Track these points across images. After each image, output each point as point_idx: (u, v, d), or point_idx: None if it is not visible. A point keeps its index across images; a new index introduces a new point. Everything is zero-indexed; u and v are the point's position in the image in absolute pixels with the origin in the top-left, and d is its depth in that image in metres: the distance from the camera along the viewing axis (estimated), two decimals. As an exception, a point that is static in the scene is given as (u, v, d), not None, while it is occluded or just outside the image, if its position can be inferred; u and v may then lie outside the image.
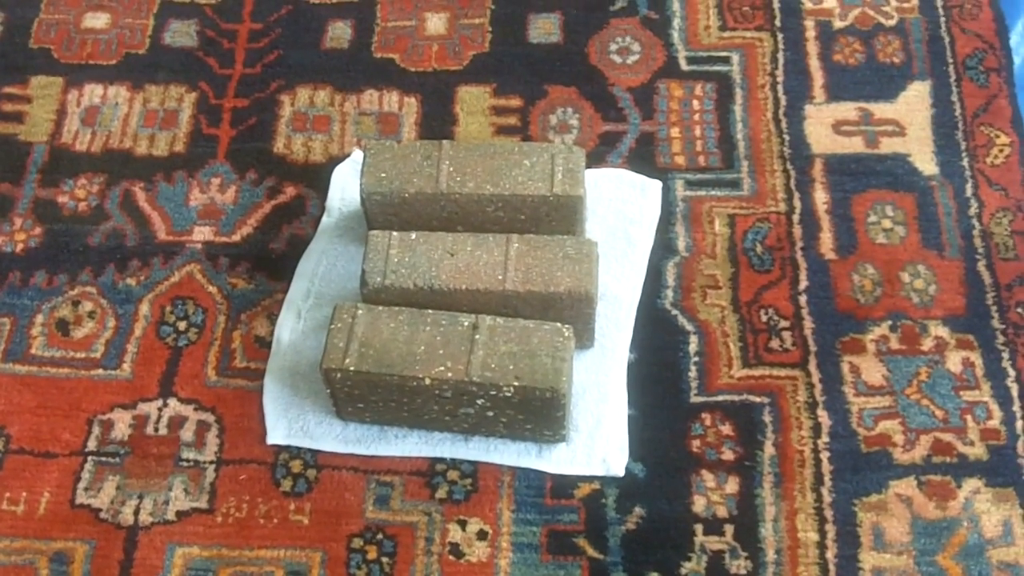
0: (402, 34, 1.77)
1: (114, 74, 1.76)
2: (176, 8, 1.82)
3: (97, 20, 1.82)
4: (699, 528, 1.36)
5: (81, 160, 1.67)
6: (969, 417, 1.42)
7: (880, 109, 1.66)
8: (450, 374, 1.31)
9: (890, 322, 1.48)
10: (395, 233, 1.42)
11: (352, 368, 1.32)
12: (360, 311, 1.36)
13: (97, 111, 1.72)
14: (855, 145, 1.63)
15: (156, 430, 1.45)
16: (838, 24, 1.75)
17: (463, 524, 1.37)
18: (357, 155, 1.64)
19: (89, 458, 1.43)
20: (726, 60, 1.72)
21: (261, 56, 1.76)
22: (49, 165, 1.67)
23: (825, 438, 1.41)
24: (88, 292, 1.55)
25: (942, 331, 1.48)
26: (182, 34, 1.79)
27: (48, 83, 1.75)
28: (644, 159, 1.63)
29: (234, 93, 1.72)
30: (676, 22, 1.76)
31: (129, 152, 1.67)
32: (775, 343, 1.47)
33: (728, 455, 1.40)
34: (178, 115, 1.70)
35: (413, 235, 1.42)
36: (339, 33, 1.78)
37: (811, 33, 1.74)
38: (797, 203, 1.58)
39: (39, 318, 1.53)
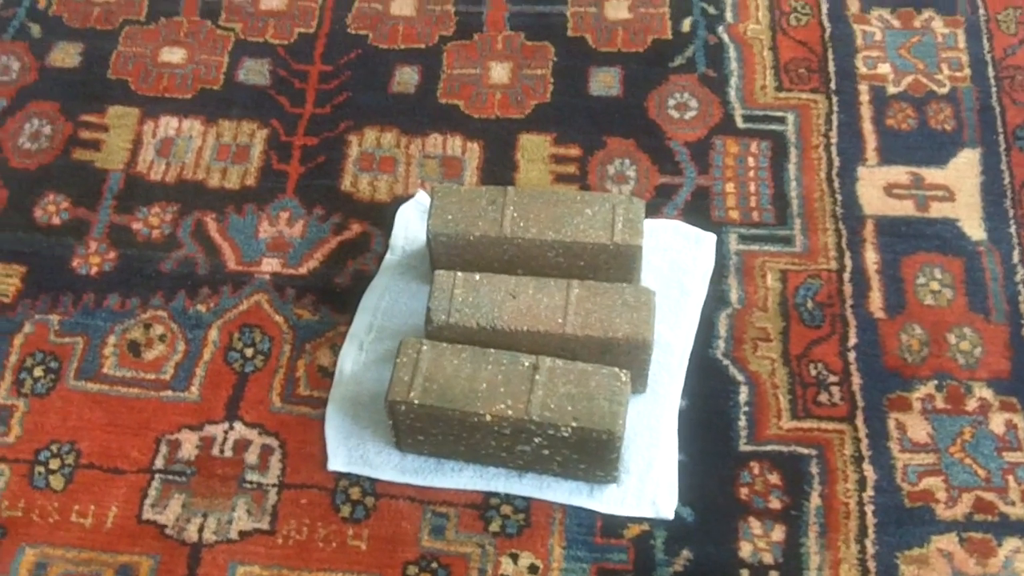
0: (467, 82, 1.83)
1: (189, 108, 1.81)
2: (250, 47, 1.88)
3: (173, 55, 1.88)
4: (745, 573, 1.39)
5: (155, 189, 1.73)
6: (1011, 477, 1.45)
7: (931, 174, 1.70)
8: (510, 412, 1.35)
9: (936, 382, 1.52)
10: (460, 273, 1.46)
11: (416, 401, 1.36)
12: (425, 347, 1.40)
13: (172, 143, 1.77)
14: (906, 208, 1.67)
15: (222, 452, 1.49)
16: (892, 90, 1.79)
17: (515, 557, 1.41)
18: (421, 196, 1.69)
19: (156, 476, 1.48)
20: (781, 120, 1.77)
21: (331, 97, 1.81)
22: (124, 192, 1.72)
23: (870, 491, 1.44)
24: (159, 316, 1.60)
25: (986, 393, 1.51)
26: (255, 72, 1.85)
27: (125, 113, 1.81)
28: (699, 212, 1.68)
29: (304, 131, 1.78)
30: (733, 80, 1.81)
31: (202, 183, 1.73)
32: (824, 397, 1.51)
33: (775, 504, 1.44)
34: (250, 150, 1.76)
35: (477, 276, 1.46)
36: (406, 78, 1.83)
37: (865, 97, 1.78)
38: (848, 262, 1.62)
39: (111, 339, 1.58)
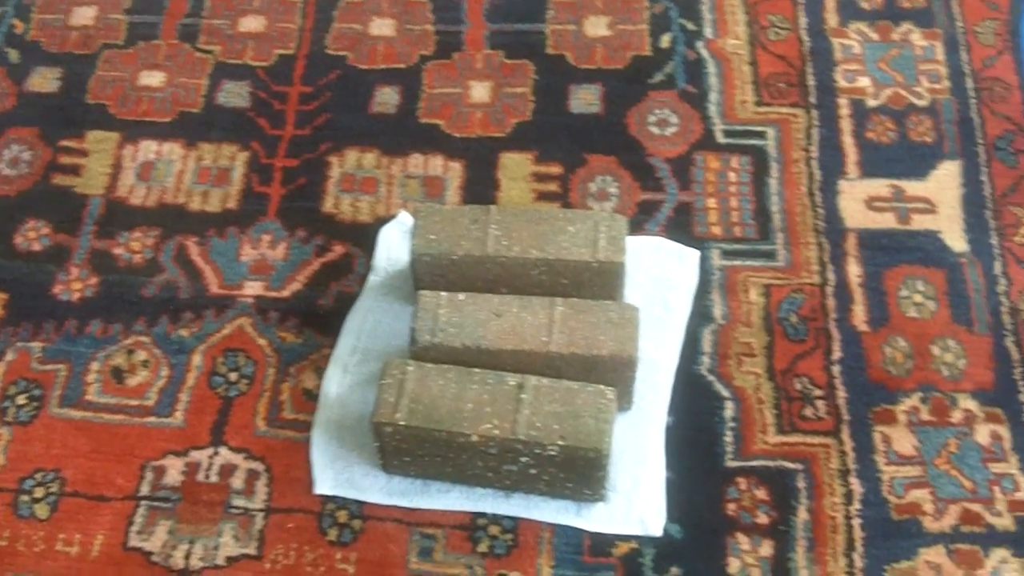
0: (447, 101, 1.83)
1: (169, 131, 1.81)
2: (229, 69, 1.88)
3: (153, 78, 1.87)
4: (734, 589, 1.40)
5: (136, 214, 1.72)
6: (997, 488, 1.45)
7: (912, 187, 1.71)
8: (497, 431, 1.35)
9: (921, 394, 1.52)
10: (444, 293, 1.46)
11: (402, 422, 1.36)
12: (410, 367, 1.40)
13: (152, 166, 1.77)
14: (887, 221, 1.68)
15: (207, 477, 1.48)
16: (871, 103, 1.80)
17: (504, 578, 1.41)
18: (403, 216, 1.69)
19: (142, 502, 1.47)
20: (762, 135, 1.77)
21: (311, 118, 1.81)
22: (105, 217, 1.72)
23: (857, 505, 1.44)
24: (142, 341, 1.60)
25: (971, 404, 1.52)
26: (235, 95, 1.85)
27: (104, 138, 1.81)
28: (681, 228, 1.68)
29: (285, 153, 1.77)
30: (713, 96, 1.81)
31: (183, 207, 1.73)
32: (809, 411, 1.51)
33: (763, 519, 1.44)
34: (230, 173, 1.76)
35: (461, 296, 1.46)
36: (386, 98, 1.83)
37: (845, 111, 1.79)
38: (831, 275, 1.62)
39: (94, 365, 1.58)
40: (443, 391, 1.38)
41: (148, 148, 1.79)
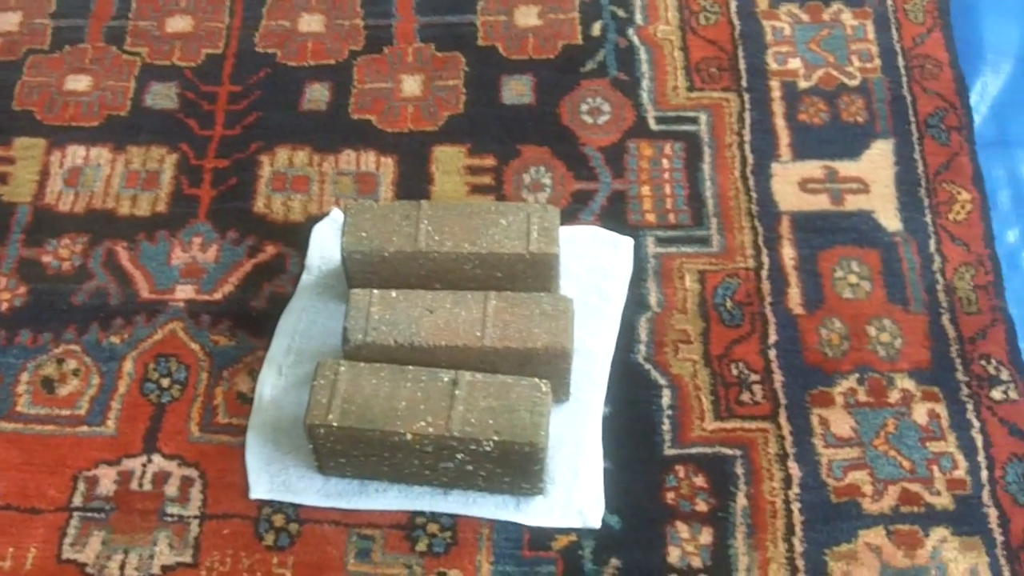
0: (378, 96, 1.81)
1: (96, 136, 1.78)
2: (157, 71, 1.85)
3: (79, 83, 1.85)
4: (674, 578, 1.39)
5: (64, 220, 1.70)
6: (935, 467, 1.46)
7: (845, 167, 1.71)
8: (431, 429, 1.34)
9: (857, 375, 1.52)
10: (376, 291, 1.45)
11: (335, 423, 1.35)
12: (343, 368, 1.39)
13: (80, 172, 1.74)
14: (821, 202, 1.68)
15: (141, 486, 1.47)
16: (803, 84, 1.80)
17: (443, 576, 1.40)
18: (336, 214, 1.67)
19: (75, 514, 1.45)
20: (694, 120, 1.77)
21: (241, 118, 1.79)
22: (33, 225, 1.69)
23: (796, 489, 1.44)
24: (72, 350, 1.58)
25: (908, 384, 1.52)
26: (163, 96, 1.82)
27: (31, 144, 1.78)
28: (615, 217, 1.67)
29: (215, 154, 1.75)
30: (645, 83, 1.81)
31: (112, 212, 1.70)
32: (746, 396, 1.51)
33: (702, 506, 1.43)
34: (159, 176, 1.73)
35: (394, 293, 1.45)
36: (317, 95, 1.82)
37: (776, 93, 1.79)
38: (765, 259, 1.62)
39: (24, 376, 1.55)
40: (376, 390, 1.37)
41: (76, 153, 1.77)
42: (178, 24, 1.91)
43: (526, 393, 1.36)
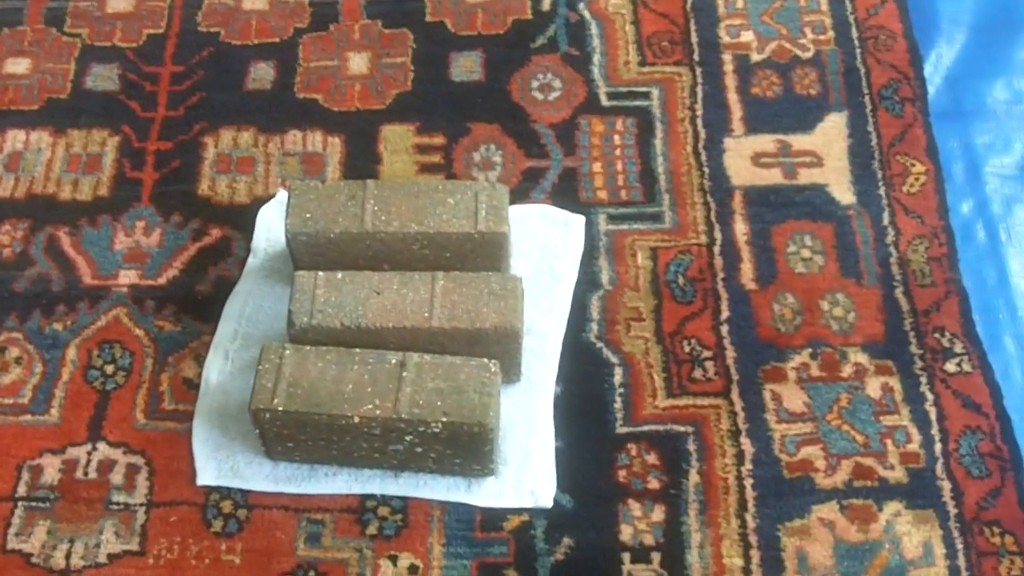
0: (324, 74, 1.79)
1: (36, 119, 1.75)
2: (97, 52, 1.82)
3: (18, 66, 1.81)
4: (627, 557, 1.38)
5: (4, 206, 1.66)
6: (889, 441, 1.45)
7: (798, 141, 1.70)
8: (378, 412, 1.32)
9: (810, 350, 1.51)
10: (321, 273, 1.43)
11: (281, 408, 1.33)
12: (288, 351, 1.37)
13: (20, 157, 1.71)
14: (774, 177, 1.66)
15: (86, 474, 1.44)
16: (755, 57, 1.78)
17: (394, 559, 1.38)
18: (282, 196, 1.65)
19: (19, 503, 1.43)
20: (646, 95, 1.75)
21: (184, 99, 1.76)
22: (-28, 212, 1.67)
23: (748, 465, 1.43)
24: (14, 338, 1.55)
25: (862, 358, 1.51)
26: (104, 78, 1.79)
27: (-30, 129, 1.75)
28: (567, 194, 1.65)
29: (157, 136, 1.72)
30: (596, 58, 1.79)
31: (53, 197, 1.67)
32: (698, 373, 1.50)
33: (654, 484, 1.42)
34: (101, 159, 1.70)
35: (339, 275, 1.43)
36: (261, 74, 1.79)
37: (729, 67, 1.77)
38: (718, 235, 1.61)
39: (-35, 365, 1.53)
40: (322, 373, 1.35)
41: (15, 138, 1.73)
42: (119, 4, 1.87)
43: (475, 374, 1.35)
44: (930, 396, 1.48)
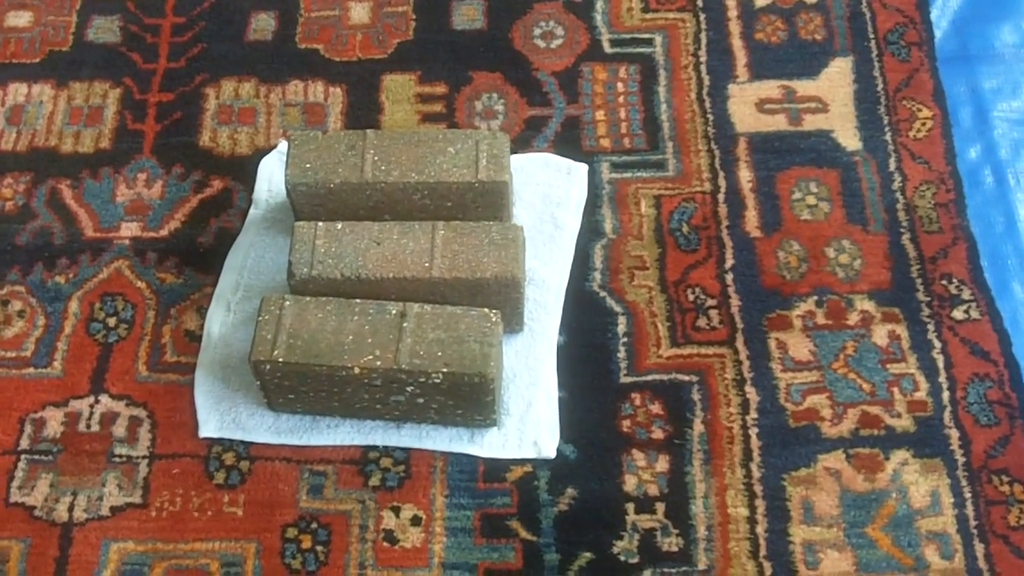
0: (326, 24, 1.77)
1: (38, 72, 1.74)
2: (99, 4, 1.81)
3: (20, 18, 1.80)
4: (631, 507, 1.37)
5: (6, 159, 1.66)
6: (896, 390, 1.44)
7: (803, 86, 1.68)
8: (379, 363, 1.31)
9: (816, 297, 1.50)
10: (321, 224, 1.42)
11: (281, 359, 1.32)
12: (287, 302, 1.36)
13: (22, 110, 1.70)
14: (779, 123, 1.64)
15: (88, 427, 1.44)
16: (760, 3, 1.76)
17: (397, 511, 1.38)
18: (283, 147, 1.64)
19: (22, 457, 1.43)
20: (649, 42, 1.73)
21: (185, 50, 1.75)
22: (-26, 165, 1.66)
23: (753, 414, 1.42)
24: (17, 291, 1.54)
25: (868, 305, 1.50)
26: (105, 30, 1.78)
27: (-29, 83, 1.74)
28: (570, 143, 1.64)
29: (159, 88, 1.71)
30: (599, 5, 1.77)
31: (55, 150, 1.66)
32: (702, 322, 1.49)
33: (658, 434, 1.41)
34: (103, 111, 1.69)
35: (339, 225, 1.42)
36: (262, 25, 1.77)
37: (733, 12, 1.75)
38: (722, 182, 1.59)
39: (-33, 319, 1.53)
40: (323, 324, 1.34)
41: (17, 91, 1.72)
42: (120, -45, 1.86)
43: (475, 324, 1.34)
44: (937, 344, 1.47)
